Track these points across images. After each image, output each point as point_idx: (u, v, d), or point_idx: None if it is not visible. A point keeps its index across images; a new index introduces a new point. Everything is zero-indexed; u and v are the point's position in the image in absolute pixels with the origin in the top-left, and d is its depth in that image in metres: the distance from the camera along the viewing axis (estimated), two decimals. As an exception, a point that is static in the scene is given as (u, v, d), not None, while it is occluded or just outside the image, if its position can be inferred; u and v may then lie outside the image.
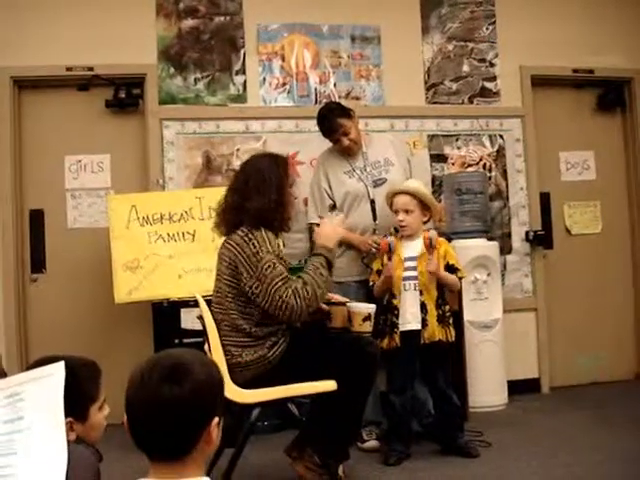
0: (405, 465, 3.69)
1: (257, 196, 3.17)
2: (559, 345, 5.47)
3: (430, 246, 3.73)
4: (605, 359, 5.53)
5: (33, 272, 4.86)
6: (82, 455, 1.71)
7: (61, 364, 1.57)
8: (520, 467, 3.55)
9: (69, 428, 1.75)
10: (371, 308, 3.37)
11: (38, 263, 4.87)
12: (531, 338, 5.39)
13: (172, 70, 4.95)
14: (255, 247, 3.07)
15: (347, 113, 4.16)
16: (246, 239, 3.10)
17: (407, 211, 3.79)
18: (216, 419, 1.47)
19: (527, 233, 5.38)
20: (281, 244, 3.49)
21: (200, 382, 1.45)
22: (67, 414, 1.70)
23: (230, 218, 3.25)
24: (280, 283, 3.03)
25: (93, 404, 1.91)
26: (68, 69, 4.80)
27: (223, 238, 3.31)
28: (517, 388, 5.02)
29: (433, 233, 3.79)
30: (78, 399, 1.82)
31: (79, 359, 1.91)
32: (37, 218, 4.88)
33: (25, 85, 4.87)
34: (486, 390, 4.75)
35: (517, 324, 5.23)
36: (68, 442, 1.67)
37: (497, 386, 4.84)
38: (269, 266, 3.04)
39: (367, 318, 3.32)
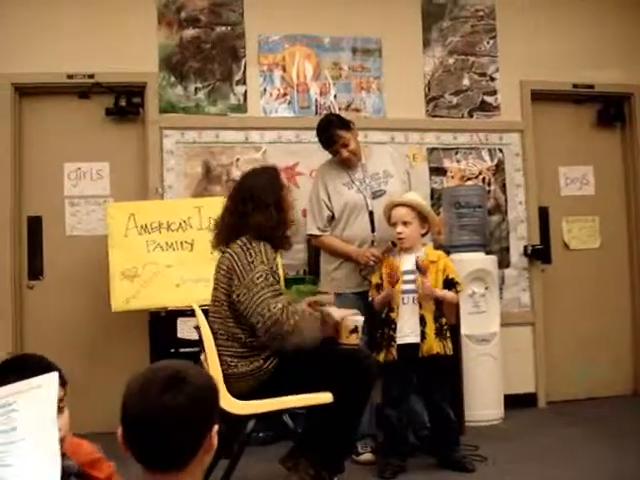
0: (400, 478, 3.68)
1: (257, 214, 3.17)
2: (556, 360, 5.45)
3: (418, 269, 3.74)
4: (602, 374, 5.51)
5: (30, 279, 4.84)
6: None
7: (55, 374, 1.56)
8: (515, 482, 3.55)
9: None
10: (358, 321, 3.34)
11: (35, 270, 4.85)
12: (528, 352, 5.37)
13: (173, 79, 4.95)
14: (251, 256, 3.07)
15: (346, 125, 4.16)
16: (244, 248, 3.11)
17: (405, 223, 3.79)
18: (216, 426, 1.48)
19: (525, 247, 5.38)
20: (278, 259, 3.47)
21: (200, 389, 1.46)
22: None
23: (228, 235, 3.25)
24: (269, 294, 3.02)
25: None
26: (69, 76, 4.80)
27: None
28: (514, 402, 5.00)
29: (420, 256, 3.77)
30: None
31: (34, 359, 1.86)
32: (35, 225, 4.87)
33: (26, 92, 4.87)
34: (482, 404, 4.73)
35: (514, 338, 5.22)
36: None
37: (494, 400, 4.82)
38: (260, 276, 3.04)
39: (354, 331, 3.29)
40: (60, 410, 1.82)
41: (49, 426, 1.46)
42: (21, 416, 1.48)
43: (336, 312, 3.27)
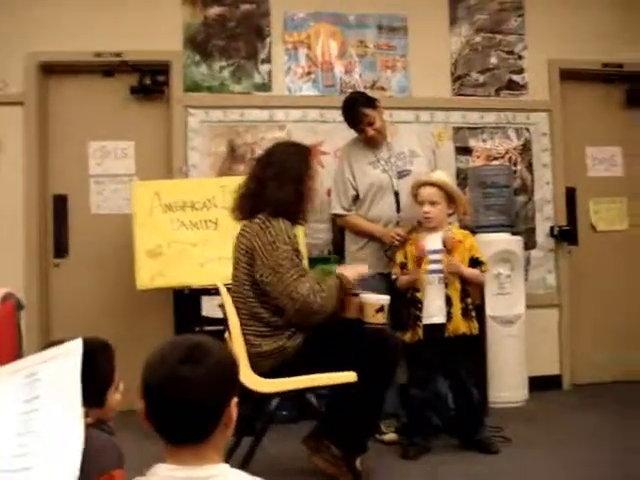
0: (424, 459, 3.67)
1: (276, 186, 3.15)
2: (581, 342, 5.41)
3: (445, 246, 3.71)
4: (628, 358, 5.44)
5: (56, 257, 4.89)
6: (106, 442, 1.69)
7: (79, 341, 1.56)
8: (540, 464, 3.52)
9: (84, 415, 1.73)
10: (384, 300, 3.30)
11: (61, 248, 4.90)
12: (553, 334, 5.33)
13: (197, 57, 4.93)
14: (272, 236, 3.05)
15: (372, 103, 4.12)
16: (263, 227, 3.09)
17: (432, 203, 3.75)
18: (235, 399, 1.48)
19: (552, 228, 5.33)
20: (301, 234, 3.46)
21: (220, 361, 1.47)
22: (83, 402, 1.66)
23: (248, 205, 3.24)
24: (296, 275, 3.02)
25: (110, 388, 1.90)
26: (96, 55, 4.80)
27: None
28: (538, 384, 4.97)
29: (447, 235, 3.75)
30: (96, 387, 1.79)
31: (93, 342, 1.88)
32: (61, 203, 4.90)
33: (51, 70, 4.88)
34: (507, 385, 4.71)
35: (540, 320, 5.17)
36: (89, 428, 1.65)
37: (518, 382, 4.79)
38: (286, 257, 3.02)
39: (380, 309, 3.26)
40: (117, 387, 1.86)
41: (73, 394, 1.46)
42: (44, 384, 1.48)
43: (346, 271, 3.30)
